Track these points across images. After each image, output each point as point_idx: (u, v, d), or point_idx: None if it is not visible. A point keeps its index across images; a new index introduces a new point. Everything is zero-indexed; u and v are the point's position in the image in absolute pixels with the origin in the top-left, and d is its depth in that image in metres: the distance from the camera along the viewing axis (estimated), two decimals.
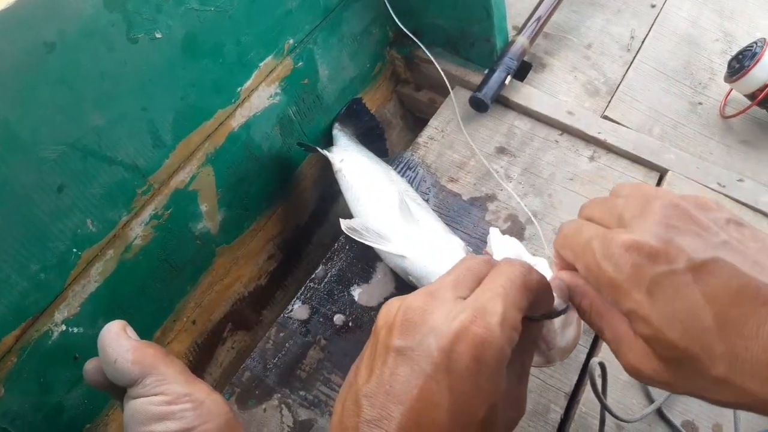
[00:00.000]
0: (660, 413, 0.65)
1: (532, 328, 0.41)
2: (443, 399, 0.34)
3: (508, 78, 0.87)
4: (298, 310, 0.73)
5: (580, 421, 0.65)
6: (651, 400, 0.66)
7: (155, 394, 0.41)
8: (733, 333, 0.31)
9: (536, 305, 0.39)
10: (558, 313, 0.42)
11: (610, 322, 0.38)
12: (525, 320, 0.40)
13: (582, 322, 0.45)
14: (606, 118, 0.89)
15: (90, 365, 0.46)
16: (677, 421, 0.64)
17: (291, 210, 0.87)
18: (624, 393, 0.66)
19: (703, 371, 0.32)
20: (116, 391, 0.44)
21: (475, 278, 0.39)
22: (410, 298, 0.38)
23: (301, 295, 0.75)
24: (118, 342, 0.44)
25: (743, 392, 0.31)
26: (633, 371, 0.36)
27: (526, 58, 0.93)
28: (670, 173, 0.82)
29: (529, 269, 0.39)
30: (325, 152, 0.80)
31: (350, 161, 0.78)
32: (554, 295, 0.42)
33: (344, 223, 0.67)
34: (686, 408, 0.66)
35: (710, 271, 0.32)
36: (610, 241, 0.35)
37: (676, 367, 0.34)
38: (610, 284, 0.35)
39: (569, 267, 0.41)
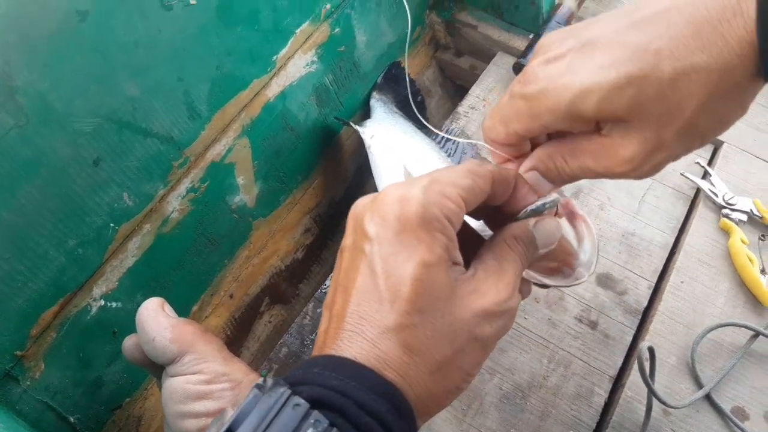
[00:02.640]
0: (709, 399, 0.63)
1: (511, 227, 0.38)
2: (376, 266, 0.32)
3: None
4: None
5: (626, 406, 0.63)
6: (700, 386, 0.63)
7: (193, 373, 0.41)
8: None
9: (495, 194, 0.37)
10: (541, 207, 0.39)
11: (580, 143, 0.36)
12: (511, 220, 0.39)
13: (594, 233, 0.43)
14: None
15: (129, 342, 0.45)
16: (727, 407, 0.62)
17: (327, 183, 0.85)
18: (671, 377, 0.64)
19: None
20: (154, 368, 0.44)
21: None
22: (357, 201, 0.37)
23: None
24: (157, 320, 0.43)
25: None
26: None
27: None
28: (725, 145, 0.78)
29: (482, 161, 0.37)
30: (357, 127, 0.78)
31: (380, 136, 0.76)
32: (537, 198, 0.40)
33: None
34: (736, 394, 0.63)
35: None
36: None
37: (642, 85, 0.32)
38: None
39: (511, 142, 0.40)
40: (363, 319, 0.31)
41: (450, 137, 0.80)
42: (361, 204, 0.36)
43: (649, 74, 0.31)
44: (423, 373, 0.31)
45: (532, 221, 0.39)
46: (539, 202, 0.39)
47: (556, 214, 0.42)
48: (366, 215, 0.34)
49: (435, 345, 0.32)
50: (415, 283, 0.31)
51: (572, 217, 0.43)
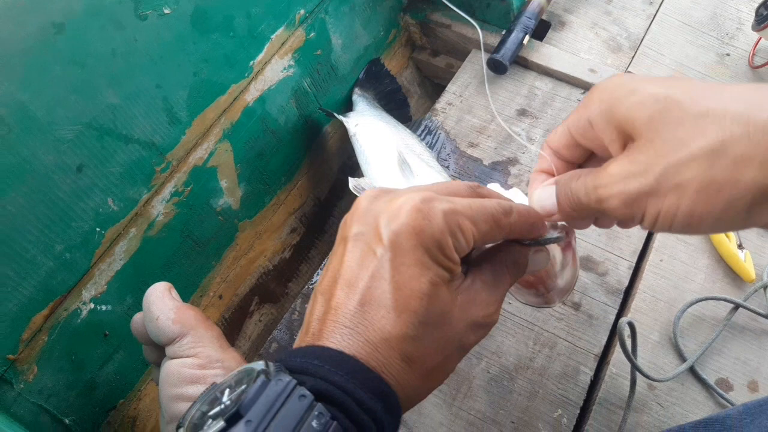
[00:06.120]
0: (693, 372, 0.64)
1: (514, 251, 0.40)
2: (385, 272, 0.33)
3: (527, 38, 0.84)
4: None
5: (611, 382, 0.64)
6: (683, 359, 0.64)
7: (190, 356, 0.42)
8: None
9: (508, 235, 0.38)
10: (547, 240, 0.41)
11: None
12: (514, 243, 0.40)
13: (578, 264, 0.44)
14: (630, 74, 0.86)
15: (138, 317, 0.46)
16: (711, 379, 0.63)
17: (311, 183, 0.86)
18: (655, 353, 0.65)
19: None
20: (154, 350, 0.45)
21: (445, 191, 0.38)
22: (367, 191, 0.38)
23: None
24: (163, 301, 0.44)
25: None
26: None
27: (544, 17, 0.90)
28: None
29: (509, 209, 0.38)
30: (341, 117, 0.80)
31: (365, 125, 0.78)
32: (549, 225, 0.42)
33: (352, 182, 0.68)
34: (719, 366, 0.64)
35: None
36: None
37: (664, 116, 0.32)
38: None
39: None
40: (367, 321, 0.33)
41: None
42: (374, 198, 0.36)
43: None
44: (415, 378, 0.34)
45: (532, 250, 0.41)
46: (547, 236, 0.41)
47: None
48: (382, 217, 0.34)
49: (430, 355, 0.34)
50: (424, 298, 0.33)
51: (566, 245, 0.44)
